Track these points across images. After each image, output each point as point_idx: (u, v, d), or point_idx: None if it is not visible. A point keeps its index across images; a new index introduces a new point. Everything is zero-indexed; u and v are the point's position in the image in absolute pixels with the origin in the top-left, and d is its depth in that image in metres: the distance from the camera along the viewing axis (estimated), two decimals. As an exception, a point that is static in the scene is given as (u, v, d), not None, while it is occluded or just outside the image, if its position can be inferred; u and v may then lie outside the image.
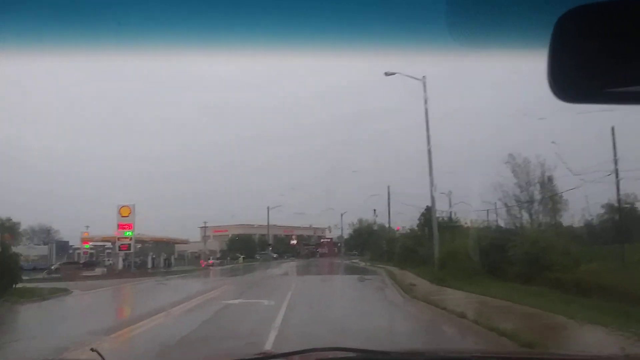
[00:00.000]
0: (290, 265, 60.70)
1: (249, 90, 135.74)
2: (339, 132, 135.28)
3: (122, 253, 54.12)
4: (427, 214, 32.14)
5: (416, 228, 40.23)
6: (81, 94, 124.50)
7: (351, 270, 45.15)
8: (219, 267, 63.85)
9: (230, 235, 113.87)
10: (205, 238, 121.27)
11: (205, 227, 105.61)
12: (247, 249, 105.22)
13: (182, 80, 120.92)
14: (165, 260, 69.67)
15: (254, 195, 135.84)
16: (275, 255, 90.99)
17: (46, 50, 2.77)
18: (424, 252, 29.54)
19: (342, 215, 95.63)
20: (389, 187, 60.31)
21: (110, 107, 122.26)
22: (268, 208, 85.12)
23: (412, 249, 34.69)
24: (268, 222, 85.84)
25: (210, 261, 72.33)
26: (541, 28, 1.38)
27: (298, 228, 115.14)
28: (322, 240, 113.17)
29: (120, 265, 53.81)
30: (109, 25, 2.51)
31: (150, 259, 64.16)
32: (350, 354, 1.95)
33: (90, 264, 62.46)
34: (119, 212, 44.26)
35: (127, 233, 44.36)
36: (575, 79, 1.34)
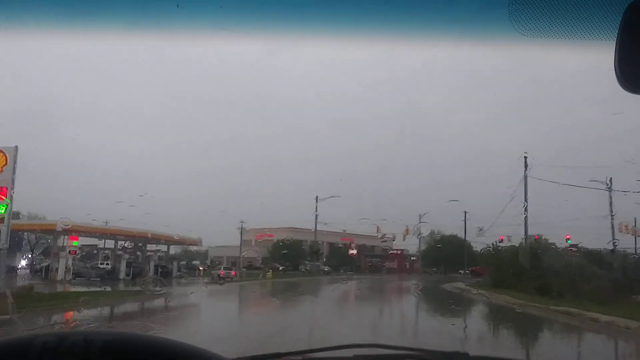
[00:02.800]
0: (345, 292, 35.16)
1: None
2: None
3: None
4: None
5: None
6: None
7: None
8: (229, 284, 40.02)
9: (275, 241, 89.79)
10: (247, 242, 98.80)
11: (241, 228, 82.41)
12: (294, 258, 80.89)
13: (235, 68, 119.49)
14: (159, 268, 46.21)
15: (309, 194, 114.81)
16: (326, 269, 65.69)
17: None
18: None
19: (420, 216, 69.74)
20: (525, 157, 34.23)
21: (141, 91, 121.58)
22: (317, 198, 60.24)
23: None
24: (316, 220, 60.77)
25: (233, 272, 48.72)
26: (608, 17, 1.35)
27: (360, 236, 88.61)
28: (390, 252, 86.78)
29: (62, 271, 32.09)
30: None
31: (123, 265, 40.86)
32: (389, 351, 1.86)
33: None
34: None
35: (-2, 208, 21.12)
36: None
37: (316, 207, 60.45)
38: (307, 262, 70.87)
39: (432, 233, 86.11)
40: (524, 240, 34.47)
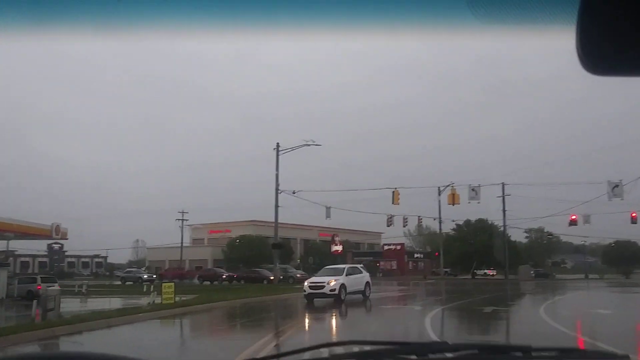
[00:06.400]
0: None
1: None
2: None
3: None
4: None
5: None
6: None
7: None
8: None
9: (233, 237, 68.13)
10: (199, 241, 76.38)
11: (182, 219, 59.93)
12: (256, 258, 58.58)
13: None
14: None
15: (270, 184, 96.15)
16: (299, 274, 42.59)
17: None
18: None
19: (439, 192, 46.75)
20: None
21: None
22: (277, 147, 36.36)
23: None
24: (277, 194, 37.12)
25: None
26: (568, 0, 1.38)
27: (344, 231, 65.93)
28: (387, 247, 64.23)
29: None
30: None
31: None
32: (367, 347, 1.81)
33: None
34: None
35: None
36: (605, 51, 1.28)
37: (277, 163, 36.16)
38: (269, 265, 47.87)
39: (420, 227, 63.64)
40: None
